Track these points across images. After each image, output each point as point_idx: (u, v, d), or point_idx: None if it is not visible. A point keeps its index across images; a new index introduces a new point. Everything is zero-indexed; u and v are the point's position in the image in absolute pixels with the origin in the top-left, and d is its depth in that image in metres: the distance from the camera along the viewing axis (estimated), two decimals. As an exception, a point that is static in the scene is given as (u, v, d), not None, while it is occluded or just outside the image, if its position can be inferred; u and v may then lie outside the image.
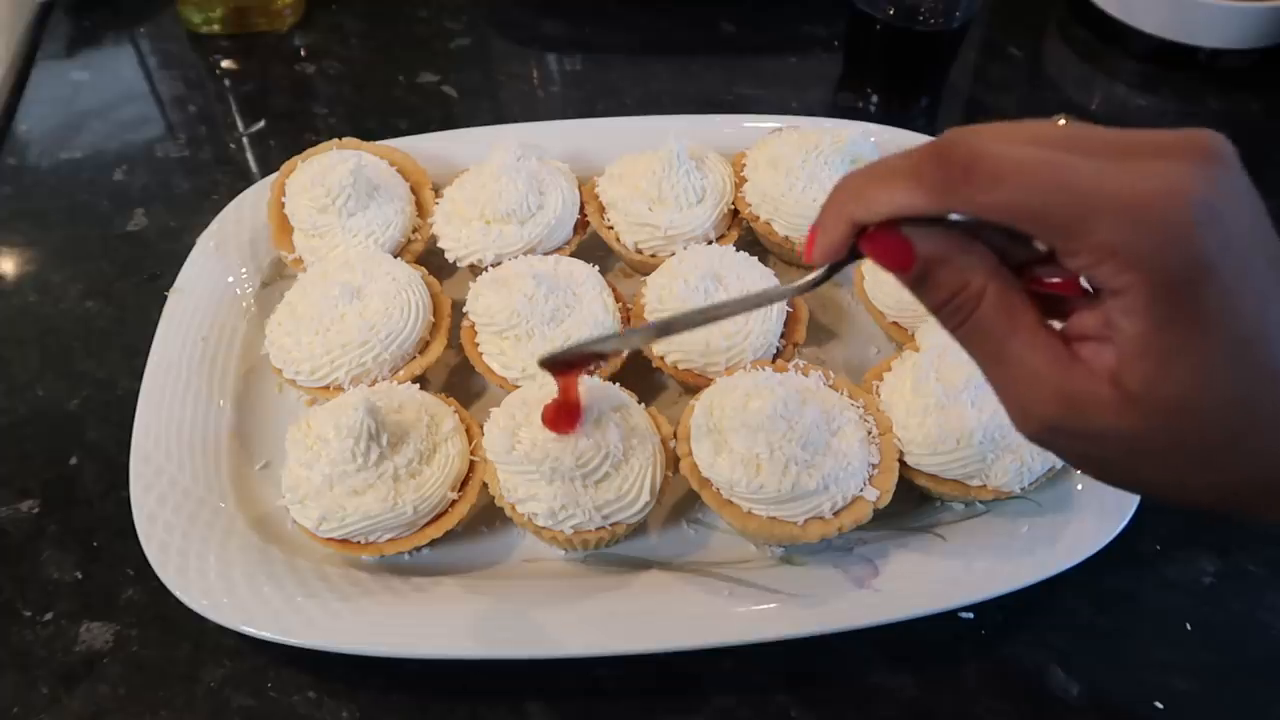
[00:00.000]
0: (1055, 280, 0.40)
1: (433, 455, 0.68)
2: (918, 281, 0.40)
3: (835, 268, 0.42)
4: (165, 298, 0.82)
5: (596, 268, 0.79)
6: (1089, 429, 0.37)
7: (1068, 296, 0.40)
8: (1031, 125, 0.37)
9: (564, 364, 0.59)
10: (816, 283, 0.43)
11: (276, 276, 0.87)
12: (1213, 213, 0.33)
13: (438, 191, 0.88)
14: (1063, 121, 0.37)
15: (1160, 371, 0.35)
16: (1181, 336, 0.35)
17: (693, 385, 0.75)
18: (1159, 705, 0.64)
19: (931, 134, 0.93)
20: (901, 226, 0.39)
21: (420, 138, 0.94)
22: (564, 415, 0.63)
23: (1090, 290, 0.39)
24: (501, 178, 0.81)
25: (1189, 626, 0.68)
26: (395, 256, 0.81)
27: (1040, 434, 0.39)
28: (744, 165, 0.87)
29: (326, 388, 0.74)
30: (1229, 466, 0.37)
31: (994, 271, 0.39)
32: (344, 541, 0.66)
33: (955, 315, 0.39)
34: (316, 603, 0.65)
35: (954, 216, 0.38)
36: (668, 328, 0.50)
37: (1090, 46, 1.18)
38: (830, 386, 0.70)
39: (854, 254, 0.41)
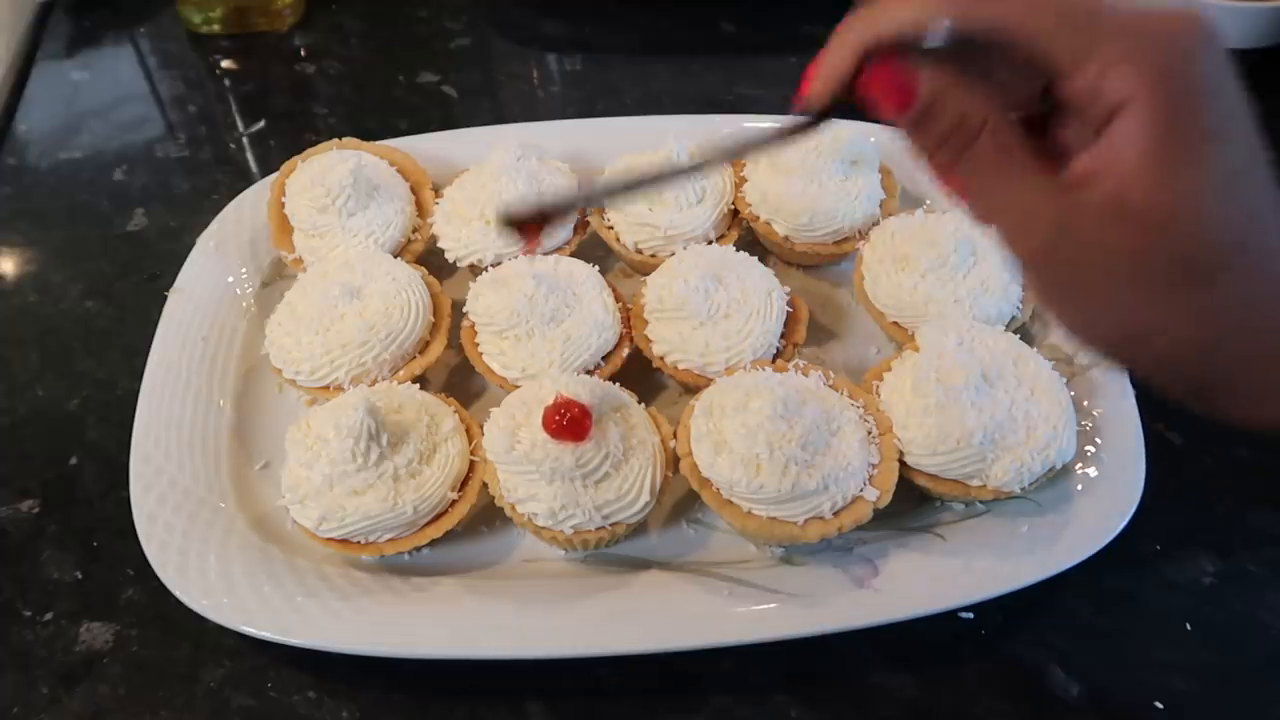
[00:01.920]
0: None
1: (433, 455, 0.68)
2: (918, 119, 0.40)
3: (823, 115, 0.41)
4: (165, 298, 0.82)
5: (596, 268, 0.79)
6: (1083, 246, 0.38)
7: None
8: None
9: (526, 221, 0.54)
10: (799, 128, 0.42)
11: (276, 276, 0.87)
12: (1215, 42, 0.36)
13: (438, 191, 0.88)
14: None
15: (1163, 181, 0.36)
16: (1185, 148, 0.36)
17: (693, 385, 0.75)
18: (1159, 705, 0.64)
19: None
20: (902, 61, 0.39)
21: (420, 138, 0.94)
22: (571, 427, 0.63)
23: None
24: (501, 178, 0.81)
25: (1189, 626, 0.68)
26: (395, 256, 0.81)
27: (1034, 257, 0.40)
28: (744, 165, 0.87)
29: (326, 388, 0.74)
30: (1214, 293, 0.38)
31: (994, 105, 0.40)
32: (344, 541, 0.66)
33: (953, 147, 0.40)
34: (316, 603, 0.65)
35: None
36: (630, 185, 0.48)
37: (1090, 46, 1.18)
38: (830, 386, 0.70)
39: (842, 107, 0.40)
